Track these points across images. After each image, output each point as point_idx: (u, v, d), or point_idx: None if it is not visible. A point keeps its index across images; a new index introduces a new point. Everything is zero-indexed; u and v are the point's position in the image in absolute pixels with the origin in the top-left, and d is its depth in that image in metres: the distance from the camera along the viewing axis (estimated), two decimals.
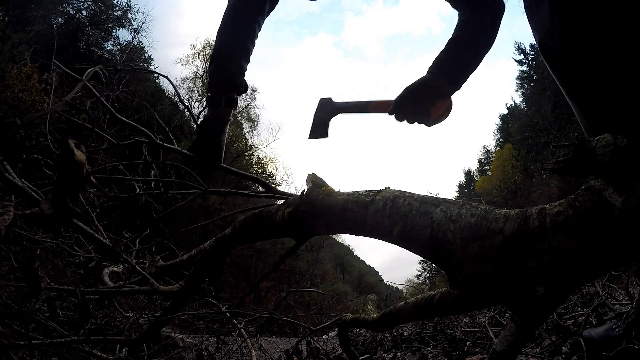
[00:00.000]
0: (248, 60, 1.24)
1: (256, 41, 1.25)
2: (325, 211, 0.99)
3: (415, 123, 1.15)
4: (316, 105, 1.22)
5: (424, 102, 1.12)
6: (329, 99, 1.22)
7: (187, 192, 1.30)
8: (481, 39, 1.15)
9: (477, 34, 1.14)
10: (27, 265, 0.93)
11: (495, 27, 1.16)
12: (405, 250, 0.84)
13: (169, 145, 1.24)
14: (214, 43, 1.23)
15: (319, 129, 1.18)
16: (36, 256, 0.96)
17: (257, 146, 24.24)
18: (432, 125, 1.15)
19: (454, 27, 1.18)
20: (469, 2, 1.15)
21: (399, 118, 1.15)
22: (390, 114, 1.14)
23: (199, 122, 1.23)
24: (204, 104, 23.66)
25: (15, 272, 1.34)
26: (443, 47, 1.16)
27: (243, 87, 1.23)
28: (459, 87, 1.16)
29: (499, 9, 1.15)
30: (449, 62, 1.13)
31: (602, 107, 0.76)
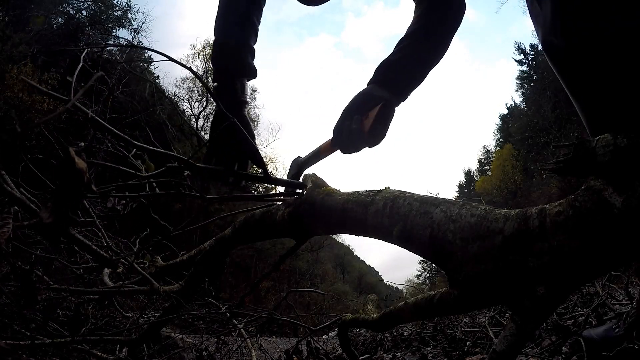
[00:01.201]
0: (255, 41, 1.13)
1: (259, 29, 1.15)
2: (325, 211, 0.99)
3: (362, 148, 1.01)
4: (289, 166, 1.22)
5: (357, 118, 0.96)
6: (297, 158, 1.20)
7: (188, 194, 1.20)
8: (433, 45, 1.04)
9: (430, 41, 1.03)
10: (24, 277, 0.93)
11: (450, 34, 1.06)
12: (405, 250, 0.84)
13: (209, 166, 1.05)
14: (214, 27, 1.10)
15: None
16: (33, 263, 0.96)
17: (257, 146, 24.22)
18: (374, 143, 0.99)
19: (406, 29, 1.05)
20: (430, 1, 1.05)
21: (343, 150, 1.02)
22: (334, 147, 1.03)
23: (211, 123, 1.07)
24: (204, 103, 23.69)
25: (15, 273, 1.34)
26: (388, 54, 1.03)
27: (254, 71, 1.12)
28: (403, 99, 1.02)
29: (457, 14, 1.07)
30: (391, 69, 1.00)
31: (603, 106, 0.76)
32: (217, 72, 1.09)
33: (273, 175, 1.12)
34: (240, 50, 1.09)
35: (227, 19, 1.10)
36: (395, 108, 1.02)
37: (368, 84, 1.03)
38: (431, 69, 1.06)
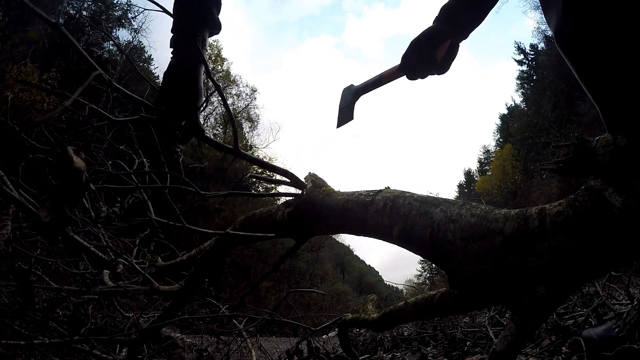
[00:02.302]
0: None
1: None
2: (325, 211, 0.99)
3: (428, 76, 1.12)
4: (340, 96, 1.22)
5: (430, 49, 1.07)
6: (350, 86, 1.21)
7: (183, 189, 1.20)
8: None
9: None
10: (22, 278, 0.93)
11: None
12: (405, 250, 0.84)
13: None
14: None
15: (345, 115, 1.18)
16: (31, 267, 0.95)
17: (257, 146, 24.27)
18: (442, 71, 1.11)
19: None
20: None
21: (410, 76, 1.11)
22: (401, 72, 1.11)
23: (164, 74, 1.01)
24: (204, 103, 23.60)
25: (14, 274, 1.34)
26: None
27: (219, 25, 1.05)
28: (465, 37, 1.11)
29: None
30: (455, 10, 1.08)
31: (612, 104, 0.76)
32: (177, 21, 1.01)
33: (243, 150, 1.10)
34: (205, 0, 1.02)
35: None
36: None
37: (434, 22, 1.10)
38: (489, 11, 1.12)
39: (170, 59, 1.03)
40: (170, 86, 0.99)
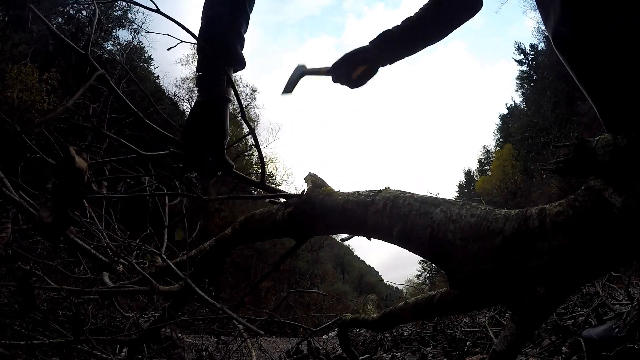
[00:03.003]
0: (246, 29, 1.06)
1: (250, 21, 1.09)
2: (325, 211, 0.99)
3: (339, 84, 1.27)
4: (293, 69, 1.35)
5: (351, 65, 1.22)
6: (302, 65, 1.33)
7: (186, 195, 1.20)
8: (434, 30, 1.19)
9: (434, 24, 1.18)
10: (22, 280, 0.93)
11: (454, 24, 1.19)
12: (405, 250, 0.84)
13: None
14: (202, 12, 1.02)
15: (289, 88, 1.31)
16: (31, 268, 0.95)
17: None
18: (353, 87, 1.27)
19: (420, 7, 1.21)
20: None
21: (334, 79, 1.26)
22: (328, 73, 1.27)
23: (190, 112, 1.02)
24: None
25: (14, 276, 1.34)
26: (393, 25, 1.20)
27: (243, 61, 1.06)
28: (391, 63, 1.24)
29: (472, 10, 1.17)
30: (392, 39, 1.19)
31: (612, 104, 0.76)
32: (202, 60, 1.01)
33: (269, 182, 1.12)
34: (230, 38, 1.01)
35: (217, 3, 1.02)
36: (380, 68, 1.27)
37: (369, 43, 1.21)
38: (421, 48, 1.23)
39: (196, 98, 1.04)
40: (196, 125, 1.00)
